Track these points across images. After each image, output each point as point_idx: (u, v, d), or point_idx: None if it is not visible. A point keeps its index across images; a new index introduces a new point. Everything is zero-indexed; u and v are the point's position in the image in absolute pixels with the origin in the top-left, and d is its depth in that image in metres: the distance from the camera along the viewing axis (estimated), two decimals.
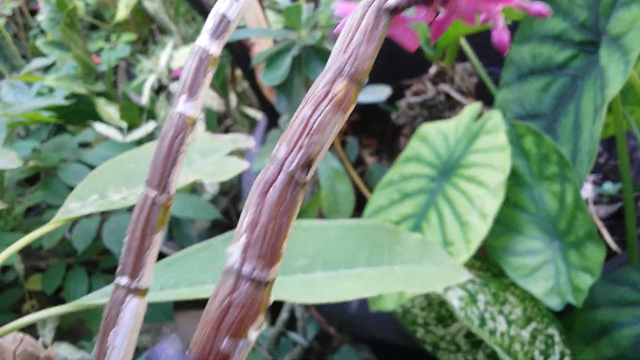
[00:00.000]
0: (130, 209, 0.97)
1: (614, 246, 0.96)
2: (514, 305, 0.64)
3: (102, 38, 1.54)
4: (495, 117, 0.63)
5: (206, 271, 0.35)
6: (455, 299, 0.60)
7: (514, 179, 0.65)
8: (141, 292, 0.20)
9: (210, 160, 0.47)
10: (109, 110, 1.18)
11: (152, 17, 1.49)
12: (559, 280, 0.60)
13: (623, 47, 0.52)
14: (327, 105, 0.13)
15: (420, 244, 0.41)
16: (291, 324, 0.91)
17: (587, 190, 1.06)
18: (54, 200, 0.97)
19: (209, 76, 0.21)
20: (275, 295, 0.36)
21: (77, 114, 1.23)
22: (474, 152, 0.64)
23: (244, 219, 0.13)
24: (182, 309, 1.13)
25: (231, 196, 1.21)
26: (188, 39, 1.20)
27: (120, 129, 1.18)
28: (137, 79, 1.29)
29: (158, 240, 0.20)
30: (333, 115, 0.14)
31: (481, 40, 1.07)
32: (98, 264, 1.04)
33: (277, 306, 0.95)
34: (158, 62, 1.11)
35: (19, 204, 1.02)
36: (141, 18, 1.52)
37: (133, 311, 0.20)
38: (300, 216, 0.74)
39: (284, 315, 0.84)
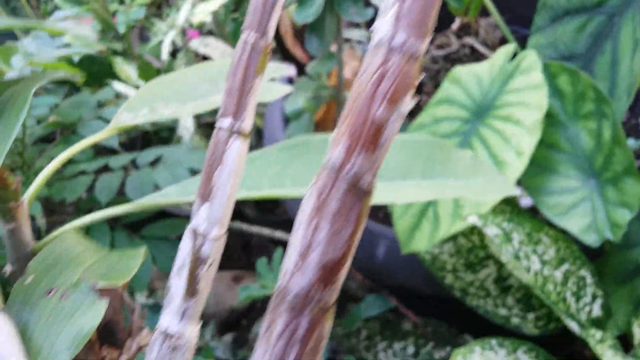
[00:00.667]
0: (153, 163, 0.97)
1: None
2: (548, 245, 0.65)
3: (116, 1, 1.53)
4: (530, 56, 0.63)
5: (263, 176, 0.35)
6: (492, 236, 0.61)
7: (548, 119, 0.64)
8: (244, 134, 0.20)
9: None
10: (127, 69, 1.17)
11: None
12: (596, 217, 0.60)
13: None
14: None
15: (472, 161, 0.41)
16: None
17: None
18: (73, 156, 0.97)
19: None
20: None
21: (94, 75, 1.23)
22: (509, 92, 0.64)
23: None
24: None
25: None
26: None
27: (137, 88, 1.17)
28: (153, 41, 1.28)
29: (258, 85, 0.20)
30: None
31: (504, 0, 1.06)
32: (120, 219, 1.04)
33: None
34: (175, 20, 1.10)
35: (39, 160, 1.02)
36: None
37: (237, 151, 0.20)
38: None
39: None
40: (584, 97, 0.60)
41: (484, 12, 1.02)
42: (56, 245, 0.28)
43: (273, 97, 0.47)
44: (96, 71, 1.22)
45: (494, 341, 0.64)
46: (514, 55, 0.68)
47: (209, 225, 0.20)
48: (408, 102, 0.13)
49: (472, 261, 0.73)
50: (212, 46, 1.10)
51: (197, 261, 0.19)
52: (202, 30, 1.29)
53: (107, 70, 1.22)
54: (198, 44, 1.10)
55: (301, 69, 0.94)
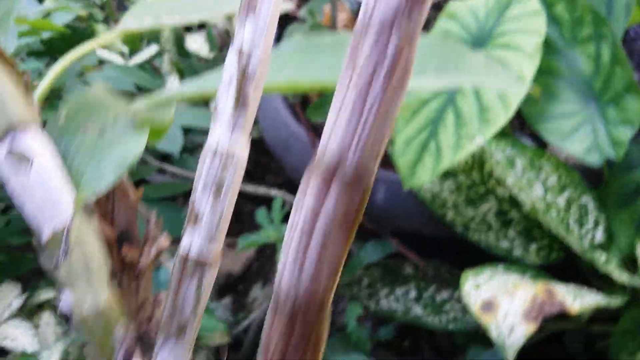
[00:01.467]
0: None
1: None
2: (549, 172, 0.66)
3: None
4: None
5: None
6: (498, 158, 0.62)
7: (546, 47, 0.65)
8: None
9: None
10: (110, 35, 1.15)
11: None
12: (597, 137, 0.61)
13: None
14: None
15: (483, 62, 0.42)
16: None
17: None
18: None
19: None
20: None
21: (77, 42, 1.20)
22: (507, 21, 0.64)
23: None
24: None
25: None
26: None
27: (122, 54, 1.16)
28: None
29: None
30: None
31: None
32: None
33: None
34: None
35: None
36: None
37: None
38: (323, 103, 0.74)
39: None
40: (581, 22, 0.61)
41: None
42: (85, 94, 0.28)
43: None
44: (79, 38, 1.20)
45: (501, 266, 0.66)
46: None
47: (255, 43, 0.19)
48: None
49: (472, 197, 0.74)
50: None
51: (244, 78, 0.19)
52: None
53: (90, 37, 1.20)
54: None
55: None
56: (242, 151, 0.20)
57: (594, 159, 0.60)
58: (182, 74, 1.16)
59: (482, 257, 0.75)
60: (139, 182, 1.04)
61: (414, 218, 0.83)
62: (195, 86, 0.36)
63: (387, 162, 0.88)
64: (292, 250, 0.17)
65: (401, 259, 0.88)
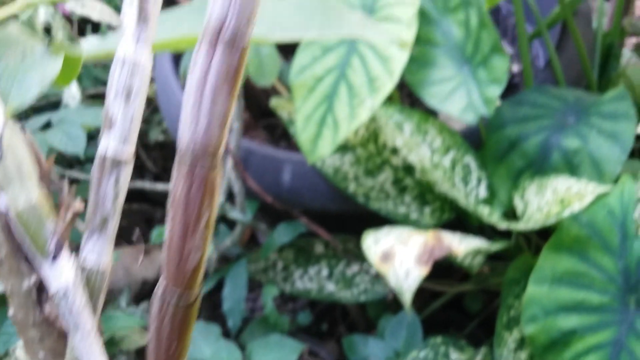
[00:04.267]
0: (43, 128, 0.95)
1: None
2: (434, 135, 0.71)
3: None
4: None
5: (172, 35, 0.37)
6: (387, 122, 0.66)
7: (422, 18, 0.71)
8: None
9: None
10: None
11: None
12: (471, 97, 0.67)
13: None
14: None
15: (362, 18, 0.46)
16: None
17: None
18: None
19: None
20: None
21: None
22: None
23: None
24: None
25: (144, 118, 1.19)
26: None
27: None
28: (21, 17, 1.23)
29: None
30: None
31: None
32: None
33: None
34: None
35: None
36: None
37: None
38: None
39: (220, 198, 0.86)
40: None
41: None
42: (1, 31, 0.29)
43: None
44: None
45: (398, 226, 0.70)
46: None
47: None
48: None
49: (370, 168, 0.79)
50: (90, 6, 1.08)
51: None
52: None
53: None
54: (74, 5, 1.06)
55: None
56: (146, 60, 0.23)
57: (470, 118, 0.66)
58: (80, 79, 1.14)
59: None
60: None
61: (321, 195, 0.86)
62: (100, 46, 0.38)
63: (291, 143, 0.91)
64: (189, 106, 0.20)
65: (312, 238, 0.91)
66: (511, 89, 0.97)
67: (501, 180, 0.72)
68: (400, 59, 0.65)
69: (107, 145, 0.23)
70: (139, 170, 1.19)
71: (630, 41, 1.07)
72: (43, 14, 1.13)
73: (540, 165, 0.68)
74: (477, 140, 0.76)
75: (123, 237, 1.11)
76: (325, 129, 0.72)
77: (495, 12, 1.06)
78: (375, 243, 0.61)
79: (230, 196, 0.86)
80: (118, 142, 0.22)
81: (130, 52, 0.22)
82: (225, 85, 0.19)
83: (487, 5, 0.91)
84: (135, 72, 0.22)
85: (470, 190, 0.73)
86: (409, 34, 0.65)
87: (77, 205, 0.34)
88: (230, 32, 0.19)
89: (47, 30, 1.27)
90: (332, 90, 0.71)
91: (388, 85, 0.66)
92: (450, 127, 0.72)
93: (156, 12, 0.22)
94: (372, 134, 0.77)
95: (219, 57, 0.19)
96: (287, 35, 0.38)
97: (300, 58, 0.74)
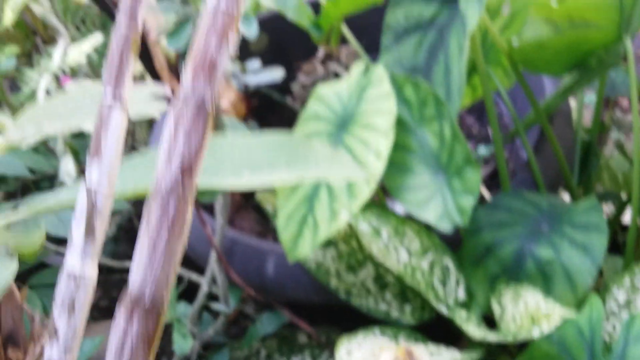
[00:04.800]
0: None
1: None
2: (412, 238, 0.73)
3: None
4: (379, 70, 0.72)
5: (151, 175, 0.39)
6: (364, 229, 0.68)
7: (400, 125, 0.73)
8: (123, 103, 0.24)
9: (132, 104, 0.51)
10: (1, 119, 1.15)
11: (36, 29, 1.47)
12: (446, 206, 0.69)
13: None
14: None
15: (330, 153, 0.48)
16: (211, 301, 0.93)
17: None
18: None
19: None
20: (212, 184, 0.41)
21: None
22: (365, 102, 0.72)
23: None
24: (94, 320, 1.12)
25: None
26: (78, 39, 1.20)
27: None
28: (25, 90, 1.27)
29: (132, 61, 0.25)
30: None
31: (359, 27, 1.17)
32: None
33: (196, 288, 0.98)
34: (49, 64, 1.11)
35: None
36: (23, 31, 1.49)
37: (119, 115, 0.24)
38: None
39: (204, 288, 0.87)
40: (425, 103, 0.70)
41: (344, 41, 1.12)
42: None
43: (153, 113, 0.51)
44: None
45: (376, 329, 0.71)
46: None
47: (100, 180, 0.24)
48: (233, 40, 0.19)
49: (352, 264, 0.80)
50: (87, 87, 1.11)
51: (92, 212, 0.23)
52: (77, 75, 1.29)
53: None
54: (74, 87, 1.10)
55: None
56: (91, 273, 0.25)
57: (445, 226, 0.68)
58: (77, 155, 1.17)
59: (368, 319, 0.80)
60: (38, 266, 1.03)
61: (304, 287, 0.87)
62: (54, 200, 0.40)
63: (275, 234, 0.92)
64: None
65: (296, 328, 0.91)
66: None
67: (479, 283, 0.73)
68: (377, 167, 0.67)
69: (50, 356, 0.24)
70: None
71: (613, 136, 1.10)
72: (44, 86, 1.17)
73: (515, 273, 0.69)
74: (456, 239, 0.77)
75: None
76: (305, 229, 0.74)
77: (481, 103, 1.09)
78: (348, 355, 0.62)
79: (210, 295, 0.87)
80: (61, 353, 0.24)
81: (77, 267, 0.24)
82: (143, 346, 0.21)
83: (464, 103, 0.94)
84: (81, 285, 0.24)
85: (449, 292, 0.74)
86: (386, 144, 0.68)
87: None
88: (149, 300, 0.21)
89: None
90: (313, 192, 0.73)
91: (365, 191, 0.67)
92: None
93: (104, 227, 0.24)
94: (355, 229, 0.78)
95: (137, 321, 0.21)
96: (254, 181, 0.40)
97: None
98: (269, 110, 1.27)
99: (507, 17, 0.80)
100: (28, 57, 1.57)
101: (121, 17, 0.24)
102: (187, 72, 0.18)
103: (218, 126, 0.80)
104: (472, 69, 0.87)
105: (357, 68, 0.76)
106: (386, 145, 0.68)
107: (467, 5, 0.62)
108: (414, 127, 0.72)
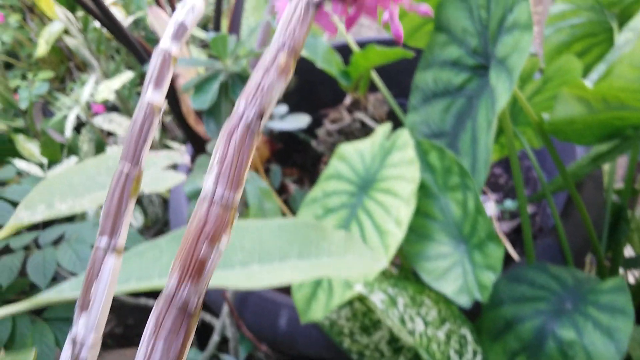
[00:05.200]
0: (56, 242, 0.97)
1: (516, 257, 1.06)
2: (430, 307, 0.71)
3: (18, 77, 1.52)
4: (404, 135, 0.71)
5: (153, 267, 0.39)
6: (378, 302, 0.66)
7: (423, 191, 0.72)
8: (118, 250, 0.24)
9: (147, 173, 0.51)
10: (29, 146, 1.17)
11: (70, 56, 1.49)
12: (466, 279, 0.67)
13: (508, 68, 0.60)
14: (273, 70, 0.18)
15: (344, 239, 0.46)
16: (223, 345, 0.93)
17: (490, 208, 1.16)
18: None
19: (172, 71, 0.26)
20: (217, 283, 0.40)
21: None
22: (388, 166, 0.71)
23: (215, 157, 0.18)
24: (108, 348, 1.12)
25: (156, 230, 1.22)
26: (110, 75, 1.21)
27: (41, 165, 1.17)
28: (57, 116, 1.29)
29: (132, 207, 0.24)
30: (278, 78, 0.19)
31: (389, 74, 1.16)
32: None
33: (209, 329, 0.97)
34: (80, 96, 1.12)
35: None
36: (58, 56, 1.52)
37: (112, 267, 0.23)
38: None
39: (215, 337, 0.86)
40: (450, 171, 0.68)
41: (374, 87, 1.12)
42: None
43: (166, 186, 0.50)
44: None
45: None
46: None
47: (86, 334, 0.23)
48: (225, 241, 0.18)
49: (367, 324, 0.78)
50: (116, 122, 1.13)
51: None
52: (107, 104, 1.31)
53: (8, 147, 1.21)
54: (102, 120, 1.12)
55: (203, 145, 0.98)
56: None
57: (464, 301, 0.65)
58: None
59: None
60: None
61: (315, 343, 0.86)
62: (56, 294, 0.39)
63: (289, 289, 0.91)
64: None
65: None
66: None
67: (497, 357, 0.70)
68: (396, 236, 0.66)
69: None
70: None
71: None
72: (72, 119, 1.19)
73: (535, 351, 0.67)
74: (475, 308, 0.75)
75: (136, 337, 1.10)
76: (320, 291, 0.73)
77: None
78: None
79: (223, 341, 0.86)
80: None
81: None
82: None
83: (492, 159, 0.92)
84: None
85: None
86: (407, 212, 0.66)
87: None
88: (181, 299, 0.19)
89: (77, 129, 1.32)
90: None
91: (383, 260, 0.66)
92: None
93: None
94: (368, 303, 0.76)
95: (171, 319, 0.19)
96: (262, 280, 0.39)
97: (302, 215, 0.75)
98: (294, 149, 1.27)
99: (539, 82, 0.78)
100: (62, 81, 1.60)
101: (122, 163, 0.24)
102: (172, 271, 0.18)
103: None
104: (501, 129, 0.85)
105: (382, 130, 0.75)
106: (407, 214, 0.66)
107: (497, 81, 0.61)
108: (437, 194, 0.70)
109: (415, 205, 0.70)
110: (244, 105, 0.18)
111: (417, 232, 0.71)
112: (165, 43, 0.26)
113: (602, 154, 0.78)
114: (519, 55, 0.57)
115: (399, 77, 1.20)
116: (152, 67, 0.26)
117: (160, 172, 0.50)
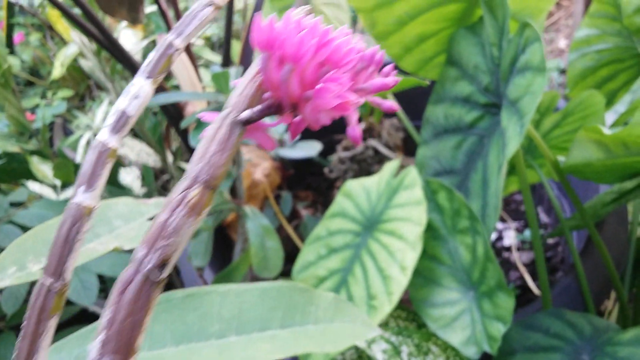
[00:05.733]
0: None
1: (536, 290, 1.02)
2: (437, 355, 0.67)
3: (38, 95, 1.53)
4: (412, 174, 0.67)
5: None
6: (379, 353, 0.63)
7: (431, 232, 0.68)
8: None
9: (132, 225, 0.48)
10: (43, 168, 1.17)
11: (88, 75, 1.50)
12: (475, 329, 0.63)
13: (519, 111, 0.57)
14: (182, 210, 0.16)
15: (332, 303, 0.43)
16: None
17: (510, 237, 1.12)
18: None
19: (108, 167, 0.24)
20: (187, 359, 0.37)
21: (9, 173, 1.22)
22: (394, 206, 0.67)
23: (103, 318, 0.15)
24: None
25: None
26: None
27: (54, 187, 1.17)
28: (74, 135, 1.29)
29: (53, 325, 0.22)
30: (187, 219, 0.16)
31: (407, 96, 1.13)
32: None
33: None
34: (94, 118, 1.12)
35: None
36: (78, 74, 1.53)
37: None
38: (231, 273, 0.75)
39: None
40: (459, 214, 0.65)
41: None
42: None
43: None
44: (12, 169, 1.21)
45: None
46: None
47: None
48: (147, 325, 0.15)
49: None
50: (129, 146, 1.12)
51: None
52: None
53: (23, 169, 1.21)
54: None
55: None
56: None
57: (471, 352, 0.62)
58: None
59: None
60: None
61: None
62: None
63: None
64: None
65: None
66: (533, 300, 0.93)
67: None
68: (400, 282, 0.63)
69: None
70: None
71: None
72: (83, 144, 1.18)
73: None
74: (485, 357, 0.71)
75: None
76: None
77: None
78: None
79: None
80: None
81: None
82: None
83: (510, 189, 0.88)
84: None
85: None
86: (412, 256, 0.63)
87: None
88: None
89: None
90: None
91: (386, 308, 0.63)
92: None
93: None
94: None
95: None
96: (235, 357, 0.37)
97: (306, 253, 0.73)
98: (308, 171, 1.24)
99: (558, 115, 0.74)
100: (82, 99, 1.60)
101: (44, 277, 0.21)
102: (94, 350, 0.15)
103: (240, 216, 0.78)
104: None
105: (389, 167, 0.71)
106: (412, 259, 0.63)
107: (508, 123, 0.57)
108: (445, 236, 0.67)
109: (422, 248, 0.67)
110: (143, 252, 0.15)
111: (424, 275, 0.68)
112: (103, 135, 0.24)
113: (625, 192, 0.73)
114: (531, 99, 0.53)
115: (416, 100, 1.16)
116: (86, 163, 0.24)
117: (146, 223, 0.48)
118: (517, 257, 1.09)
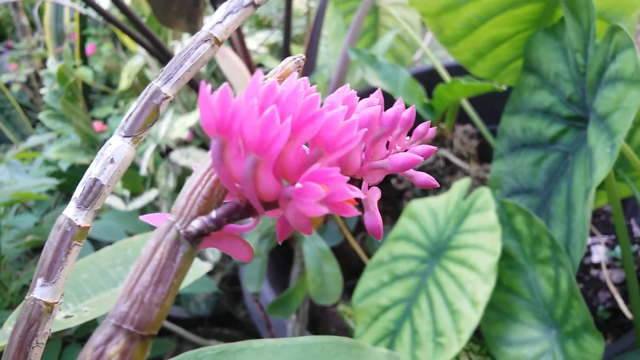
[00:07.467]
0: None
1: (628, 314, 0.91)
2: None
3: (111, 104, 1.56)
4: (484, 195, 0.60)
5: None
6: None
7: (507, 260, 0.61)
8: None
9: None
10: None
11: None
12: None
13: (609, 128, 0.49)
14: None
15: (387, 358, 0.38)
16: None
17: (600, 253, 1.01)
18: None
19: (74, 253, 0.19)
20: None
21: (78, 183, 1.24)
22: (464, 232, 0.61)
23: None
24: None
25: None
26: (190, 107, 1.20)
27: (122, 198, 1.18)
28: (140, 146, 1.29)
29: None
30: None
31: (483, 98, 1.04)
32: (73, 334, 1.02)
33: None
34: (158, 131, 1.11)
35: (16, 280, 1.01)
36: (147, 84, 1.54)
37: None
38: (288, 299, 0.71)
39: None
40: (539, 241, 0.57)
41: (463, 115, 1.01)
42: None
43: (196, 275, 0.45)
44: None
45: None
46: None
47: None
48: None
49: None
50: (193, 157, 1.10)
51: None
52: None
53: None
54: (179, 155, 1.10)
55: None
56: None
57: None
58: None
59: None
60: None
61: None
62: None
63: None
64: None
65: None
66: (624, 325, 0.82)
67: None
68: (471, 319, 0.56)
69: None
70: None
71: None
72: (147, 156, 1.18)
73: None
74: None
75: None
76: None
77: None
78: None
79: None
80: None
81: None
82: None
83: (600, 204, 0.78)
84: None
85: None
86: (485, 290, 0.56)
87: None
88: None
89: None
90: (396, 328, 0.63)
91: (455, 348, 0.56)
92: None
93: None
94: None
95: None
96: None
97: (367, 279, 0.67)
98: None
99: None
100: None
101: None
102: None
103: (296, 238, 0.73)
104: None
105: (458, 186, 0.65)
106: (485, 293, 0.56)
107: (597, 142, 0.49)
108: (523, 266, 0.59)
109: (497, 278, 0.60)
110: None
111: (499, 309, 0.61)
112: (70, 210, 0.20)
113: None
114: (623, 115, 0.45)
115: (494, 101, 1.08)
116: (48, 246, 0.19)
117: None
118: (607, 276, 0.98)
